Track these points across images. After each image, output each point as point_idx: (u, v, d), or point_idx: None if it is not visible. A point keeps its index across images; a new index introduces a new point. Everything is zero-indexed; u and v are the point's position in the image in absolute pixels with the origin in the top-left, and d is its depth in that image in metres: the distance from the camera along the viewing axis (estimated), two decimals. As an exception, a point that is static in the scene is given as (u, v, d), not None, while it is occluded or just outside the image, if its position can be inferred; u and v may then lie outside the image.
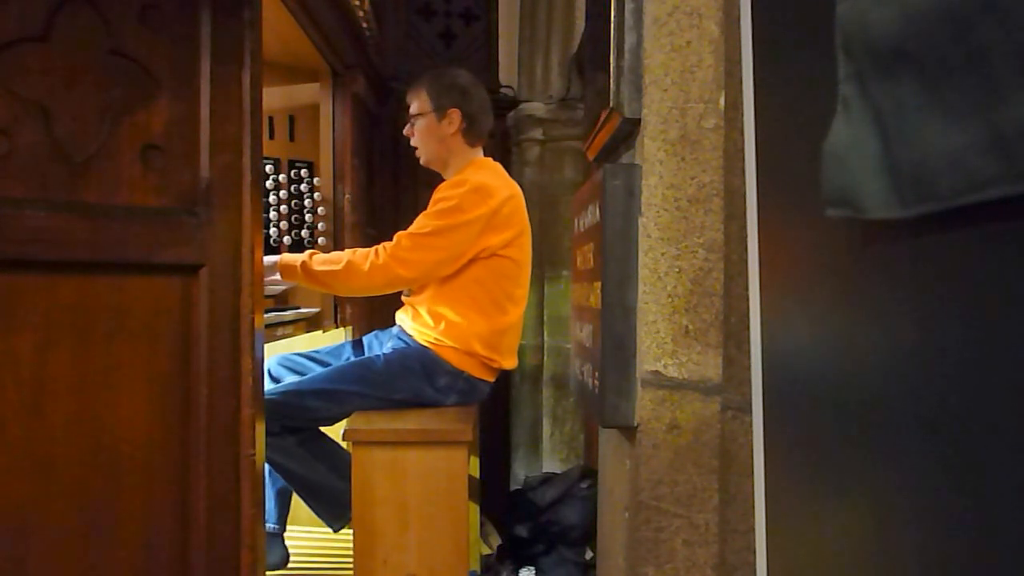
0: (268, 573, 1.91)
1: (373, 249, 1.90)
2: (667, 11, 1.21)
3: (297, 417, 1.88)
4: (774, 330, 0.89)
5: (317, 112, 2.45)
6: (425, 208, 1.96)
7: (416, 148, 2.12)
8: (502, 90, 3.21)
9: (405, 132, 2.12)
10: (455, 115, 2.04)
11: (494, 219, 1.94)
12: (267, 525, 1.97)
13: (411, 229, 1.91)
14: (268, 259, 1.89)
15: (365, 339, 2.22)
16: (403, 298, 2.12)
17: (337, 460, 1.95)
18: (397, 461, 1.75)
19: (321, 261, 1.90)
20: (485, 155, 2.16)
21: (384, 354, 1.99)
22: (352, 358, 2.10)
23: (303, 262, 1.89)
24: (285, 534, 2.03)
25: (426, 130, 2.07)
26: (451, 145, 2.07)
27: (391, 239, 1.93)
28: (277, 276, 1.91)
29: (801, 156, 0.76)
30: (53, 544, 0.95)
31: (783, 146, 0.85)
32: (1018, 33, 0.41)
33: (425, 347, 1.97)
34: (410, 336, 2.01)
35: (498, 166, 2.11)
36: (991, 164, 0.43)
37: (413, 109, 2.08)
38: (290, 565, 2.06)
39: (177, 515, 1.05)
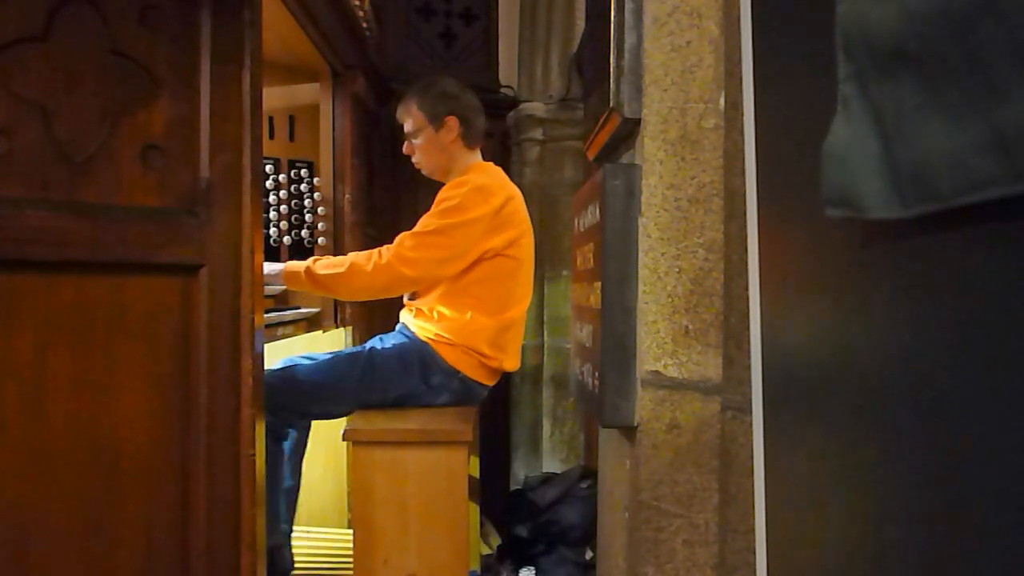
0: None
1: (376, 250, 1.91)
2: (667, 11, 1.21)
3: (284, 409, 1.89)
4: (774, 330, 0.89)
5: (317, 112, 2.45)
6: (426, 208, 1.97)
7: (417, 163, 2.13)
8: (502, 90, 3.21)
9: (404, 151, 2.12)
10: (452, 122, 2.05)
11: (495, 219, 1.95)
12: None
13: (414, 229, 1.92)
14: (273, 267, 1.91)
15: (369, 343, 2.22)
16: (406, 301, 2.13)
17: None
18: (397, 461, 1.75)
19: (324, 265, 1.91)
20: (484, 156, 2.17)
21: (384, 349, 1.99)
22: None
23: (307, 267, 1.90)
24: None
25: (427, 144, 2.07)
26: (452, 152, 2.08)
27: (392, 240, 1.94)
28: (282, 285, 1.92)
29: (801, 156, 0.76)
30: (53, 544, 0.95)
31: (783, 146, 0.85)
32: (1018, 33, 0.41)
33: (424, 343, 1.98)
34: (412, 332, 2.02)
35: (497, 169, 2.12)
36: (991, 164, 0.43)
37: (408, 127, 2.09)
38: (290, 565, 2.06)
39: (177, 515, 1.05)
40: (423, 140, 2.07)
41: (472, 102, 2.10)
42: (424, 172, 2.15)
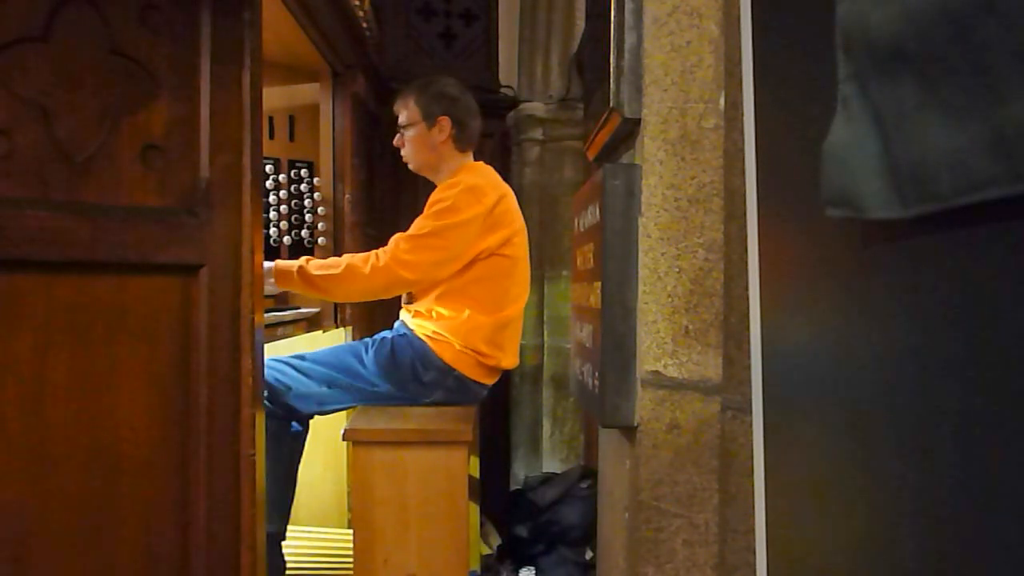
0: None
1: (373, 253, 1.91)
2: (667, 11, 1.21)
3: (283, 393, 1.89)
4: (774, 330, 0.89)
5: (317, 112, 2.45)
6: (423, 209, 1.97)
7: (404, 157, 2.14)
8: (502, 90, 3.21)
9: (395, 142, 2.13)
10: (445, 123, 2.05)
11: (489, 219, 1.95)
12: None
13: (409, 231, 1.93)
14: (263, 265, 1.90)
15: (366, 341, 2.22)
16: (403, 304, 2.13)
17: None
18: (397, 461, 1.75)
19: (318, 266, 1.90)
20: (483, 155, 2.17)
21: (377, 345, 2.00)
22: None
23: (300, 267, 1.89)
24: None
25: (417, 139, 2.08)
26: (442, 152, 2.08)
27: (390, 240, 1.94)
28: (272, 283, 1.91)
29: (801, 156, 0.76)
30: (53, 544, 0.95)
31: (783, 146, 0.85)
32: (1018, 33, 0.41)
33: (421, 340, 1.98)
34: (410, 330, 2.02)
35: (488, 169, 2.12)
36: (991, 164, 0.43)
37: (402, 119, 2.10)
38: (290, 565, 2.06)
39: (177, 515, 1.05)
40: (414, 135, 2.08)
41: (469, 106, 2.11)
42: (410, 167, 2.15)
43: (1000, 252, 0.47)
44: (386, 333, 2.08)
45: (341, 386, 1.95)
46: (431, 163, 2.11)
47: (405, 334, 2.02)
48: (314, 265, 1.90)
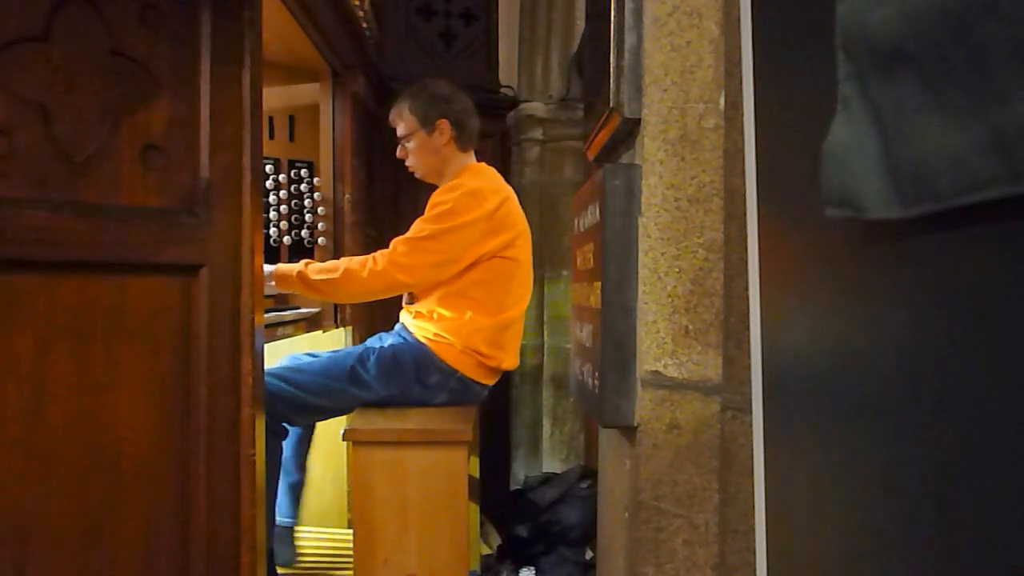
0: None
1: (371, 256, 1.91)
2: (667, 11, 1.20)
3: (282, 409, 1.88)
4: (774, 330, 0.89)
5: (317, 112, 2.46)
6: (423, 210, 1.97)
7: (410, 167, 2.13)
8: (502, 90, 3.21)
9: (398, 154, 2.12)
10: (444, 125, 2.05)
11: (491, 222, 1.95)
12: (279, 519, 1.99)
13: (408, 234, 1.92)
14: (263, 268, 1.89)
15: (368, 342, 2.22)
16: (404, 304, 2.13)
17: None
18: (397, 461, 1.75)
19: (317, 270, 1.91)
20: (484, 155, 2.17)
21: (379, 349, 1.99)
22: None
23: (299, 271, 1.90)
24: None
25: (419, 147, 2.07)
26: (445, 155, 2.08)
27: (390, 241, 1.94)
28: (272, 286, 1.91)
29: (801, 156, 0.76)
30: (53, 544, 0.95)
31: (783, 146, 0.85)
32: (1018, 33, 0.41)
33: (422, 343, 1.98)
34: (410, 333, 2.02)
35: (491, 170, 2.12)
36: (991, 164, 0.43)
37: (401, 131, 2.09)
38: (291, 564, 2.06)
39: (177, 515, 1.05)
40: (416, 144, 2.07)
41: (464, 104, 2.10)
42: (417, 175, 2.15)
43: (1000, 252, 0.47)
44: (385, 338, 2.08)
45: (342, 395, 1.94)
46: (436, 168, 2.10)
47: (406, 339, 2.02)
48: (313, 269, 1.91)
